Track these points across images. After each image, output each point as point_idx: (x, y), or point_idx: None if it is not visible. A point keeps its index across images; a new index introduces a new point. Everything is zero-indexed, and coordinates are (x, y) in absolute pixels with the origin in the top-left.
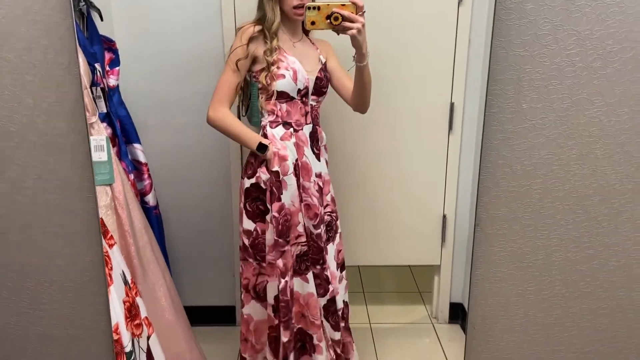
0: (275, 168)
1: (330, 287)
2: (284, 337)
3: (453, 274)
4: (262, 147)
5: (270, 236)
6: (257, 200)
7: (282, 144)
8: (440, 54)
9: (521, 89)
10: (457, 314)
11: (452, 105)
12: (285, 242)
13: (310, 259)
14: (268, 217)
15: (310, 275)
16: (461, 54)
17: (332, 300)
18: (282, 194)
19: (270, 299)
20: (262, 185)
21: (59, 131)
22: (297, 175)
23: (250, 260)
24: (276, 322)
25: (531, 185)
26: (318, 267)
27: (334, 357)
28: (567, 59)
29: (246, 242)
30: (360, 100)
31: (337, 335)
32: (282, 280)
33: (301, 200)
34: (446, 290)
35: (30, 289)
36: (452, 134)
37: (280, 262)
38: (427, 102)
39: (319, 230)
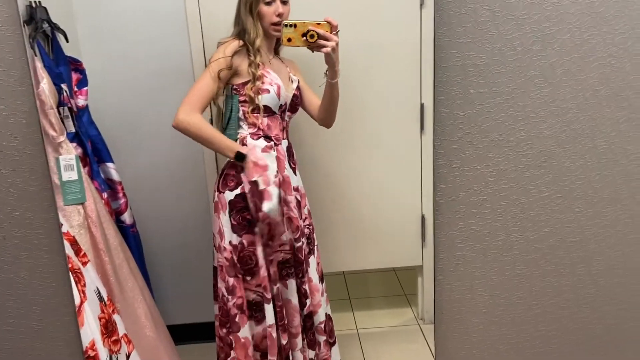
0: (255, 178)
1: (308, 302)
2: (284, 340)
3: (436, 273)
4: (241, 156)
5: (260, 247)
6: (244, 211)
7: (261, 155)
8: (406, 56)
9: (467, 75)
10: None
11: (422, 105)
12: (272, 251)
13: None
14: (257, 229)
15: (290, 282)
16: (427, 55)
17: (309, 316)
18: (263, 203)
19: (270, 319)
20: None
21: (15, 143)
22: (279, 187)
23: (240, 276)
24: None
25: (485, 168)
26: (297, 280)
27: None
28: (508, 43)
29: (233, 257)
30: (327, 115)
31: (311, 354)
32: (275, 287)
33: (283, 214)
34: (430, 291)
35: None
36: (424, 134)
37: (231, 281)
38: (398, 104)
39: (300, 244)
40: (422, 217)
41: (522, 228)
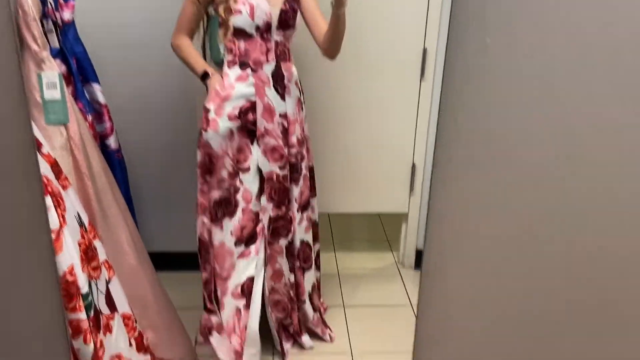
0: (210, 104)
1: (292, 228)
2: (204, 274)
3: (420, 221)
4: (205, 75)
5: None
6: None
7: (228, 84)
8: None
9: (485, 23)
10: (422, 260)
11: (424, 51)
12: (202, 173)
13: (277, 200)
14: (198, 155)
15: (225, 222)
16: None
17: (293, 243)
18: (206, 130)
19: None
20: None
21: None
22: (244, 121)
23: (206, 180)
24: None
25: (492, 127)
26: (283, 207)
27: (291, 298)
28: None
29: (204, 162)
30: (331, 46)
31: (292, 277)
32: (199, 218)
33: (229, 151)
34: (413, 238)
35: None
36: (424, 80)
37: (201, 199)
38: (399, 48)
39: (285, 172)
40: (413, 165)
41: (519, 190)
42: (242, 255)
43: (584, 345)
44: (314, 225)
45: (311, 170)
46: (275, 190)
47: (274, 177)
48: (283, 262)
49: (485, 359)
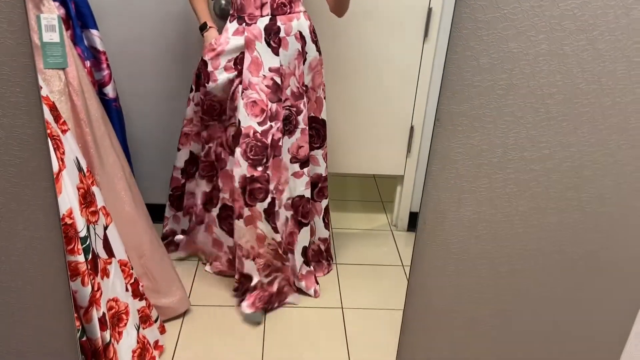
0: (206, 57)
1: (271, 187)
2: (206, 187)
3: (415, 184)
4: (203, 27)
5: (190, 111)
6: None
7: (224, 39)
8: None
9: None
10: (416, 222)
11: (429, 10)
12: (211, 118)
13: (252, 158)
14: (191, 95)
15: (237, 153)
16: None
17: (272, 204)
18: (207, 83)
19: (180, 163)
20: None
21: None
22: (241, 70)
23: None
24: (182, 181)
25: (496, 80)
26: (260, 168)
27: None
28: None
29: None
30: (337, 4)
31: (278, 237)
32: (206, 146)
33: (232, 98)
34: (407, 200)
35: None
36: (427, 42)
37: (205, 133)
38: (404, 6)
39: (265, 127)
40: (411, 127)
41: (521, 147)
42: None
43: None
44: (322, 180)
45: (318, 122)
46: (251, 147)
47: (251, 132)
48: (263, 226)
49: (477, 314)
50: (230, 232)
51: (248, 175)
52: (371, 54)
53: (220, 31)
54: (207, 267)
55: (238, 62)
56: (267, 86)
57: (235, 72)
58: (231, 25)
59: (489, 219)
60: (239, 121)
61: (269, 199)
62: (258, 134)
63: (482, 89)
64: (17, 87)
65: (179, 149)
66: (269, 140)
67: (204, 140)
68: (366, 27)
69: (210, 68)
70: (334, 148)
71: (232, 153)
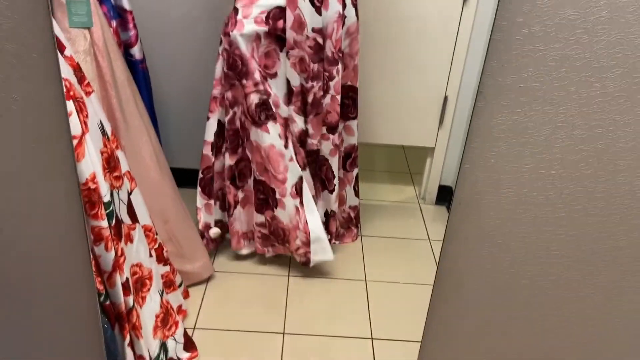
0: (238, 4)
1: (309, 140)
2: (230, 161)
3: (447, 157)
4: None
5: (218, 67)
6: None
7: None
8: None
9: None
10: (445, 196)
11: None
12: (235, 75)
13: (305, 113)
14: (220, 49)
15: (270, 125)
16: None
17: (313, 152)
18: (232, 31)
19: (209, 136)
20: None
21: None
22: (273, 27)
23: (236, 83)
24: (212, 159)
25: (548, 50)
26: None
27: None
28: None
29: (223, 67)
30: None
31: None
32: (231, 111)
33: (253, 54)
34: (437, 173)
35: None
36: (467, 6)
37: (229, 94)
38: None
39: (308, 85)
40: (445, 97)
41: (572, 125)
42: (290, 160)
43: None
44: (355, 150)
45: (354, 91)
46: (304, 102)
47: (302, 89)
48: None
49: (510, 299)
50: (260, 209)
51: (304, 129)
52: (405, 19)
53: None
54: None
55: (270, 17)
56: (309, 47)
57: (266, 28)
58: None
59: (530, 201)
60: (288, 81)
61: (307, 147)
62: (305, 88)
63: (532, 60)
64: (34, 49)
65: (208, 118)
66: (310, 99)
67: (228, 102)
68: None
69: (240, 16)
70: (363, 117)
71: (254, 123)
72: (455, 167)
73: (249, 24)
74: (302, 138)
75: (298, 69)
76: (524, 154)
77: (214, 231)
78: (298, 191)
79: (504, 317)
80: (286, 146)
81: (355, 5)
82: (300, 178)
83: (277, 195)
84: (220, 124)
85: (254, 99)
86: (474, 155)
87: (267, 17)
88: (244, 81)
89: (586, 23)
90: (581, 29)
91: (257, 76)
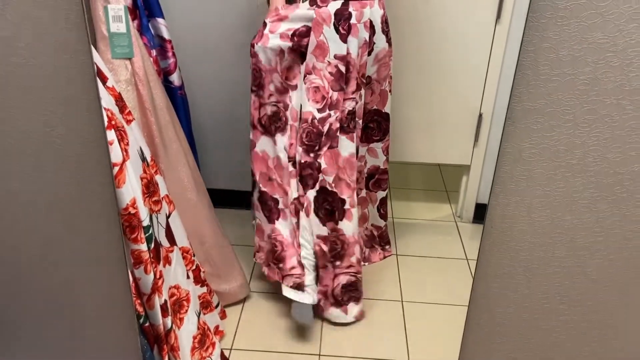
0: (267, 19)
1: (320, 177)
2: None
3: (483, 174)
4: None
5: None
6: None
7: (291, 9)
8: None
9: None
10: (482, 214)
11: None
12: (253, 85)
13: (307, 144)
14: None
15: (278, 137)
16: None
17: (322, 191)
18: (256, 44)
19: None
20: None
21: None
22: (297, 43)
23: (254, 89)
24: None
25: (577, 74)
26: (312, 154)
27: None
28: None
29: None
30: None
31: (324, 231)
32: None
33: (277, 67)
34: (473, 190)
35: (34, 155)
36: (500, 23)
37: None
38: None
39: (323, 115)
40: (480, 115)
41: (605, 148)
42: (292, 175)
43: None
44: (379, 172)
45: (380, 115)
46: (307, 133)
47: (310, 118)
48: (311, 220)
49: (546, 325)
50: (269, 219)
51: (302, 161)
52: (438, 37)
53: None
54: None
55: (296, 35)
56: (330, 73)
57: (290, 44)
58: (303, 5)
59: (565, 225)
60: (300, 105)
61: (317, 186)
62: (315, 121)
63: (561, 84)
64: (77, 85)
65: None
66: (325, 129)
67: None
68: (435, 9)
69: (267, 30)
70: (398, 136)
71: (264, 133)
72: (492, 186)
73: (274, 39)
74: (304, 172)
75: (311, 96)
76: (556, 178)
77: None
78: (297, 210)
79: (539, 341)
80: (292, 161)
81: (386, 32)
82: (298, 199)
83: (347, 206)
84: None
85: (267, 110)
86: (505, 178)
87: (292, 35)
88: (260, 92)
89: (616, 46)
90: (611, 52)
91: (272, 88)
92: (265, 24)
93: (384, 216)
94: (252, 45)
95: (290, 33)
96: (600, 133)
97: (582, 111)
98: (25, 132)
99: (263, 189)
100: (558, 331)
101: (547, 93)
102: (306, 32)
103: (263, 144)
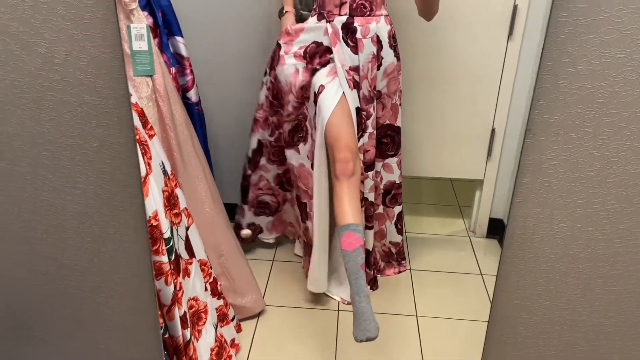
0: (280, 41)
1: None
2: (278, 170)
3: (496, 189)
4: (280, 13)
5: (262, 95)
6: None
7: (300, 27)
8: None
9: None
10: (496, 229)
11: (515, 7)
12: (278, 104)
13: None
14: (264, 79)
15: (301, 146)
16: None
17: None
18: (277, 66)
19: (249, 152)
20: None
21: (86, 4)
22: (310, 63)
23: (277, 110)
24: (249, 172)
25: (596, 88)
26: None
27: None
28: None
29: (269, 96)
30: (425, 5)
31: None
32: (276, 132)
33: (293, 84)
34: (487, 205)
35: (67, 167)
36: (512, 40)
37: (274, 118)
38: (488, 2)
39: None
40: (493, 130)
41: (624, 160)
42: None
43: None
44: (395, 187)
45: (393, 129)
46: (299, 122)
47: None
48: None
49: (567, 336)
50: (302, 218)
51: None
52: (451, 52)
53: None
54: (297, 248)
55: (308, 53)
56: (349, 80)
57: (303, 63)
58: (311, 19)
59: (585, 236)
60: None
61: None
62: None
63: (580, 97)
64: (110, 99)
65: (250, 137)
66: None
67: (274, 125)
68: (447, 25)
69: (282, 52)
70: (410, 150)
71: (288, 147)
72: (506, 200)
73: (289, 59)
74: None
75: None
76: (576, 189)
77: (245, 232)
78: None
79: (561, 354)
80: (312, 167)
81: (394, 47)
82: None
83: (308, 209)
84: (259, 143)
85: (287, 126)
86: (525, 190)
87: (304, 52)
88: (282, 110)
89: (633, 61)
90: (629, 66)
91: (290, 108)
92: (279, 46)
93: (400, 231)
94: (273, 69)
95: (302, 52)
96: (620, 145)
97: (601, 124)
98: (59, 144)
99: (297, 193)
100: (580, 343)
101: (566, 106)
102: (316, 49)
103: (288, 157)
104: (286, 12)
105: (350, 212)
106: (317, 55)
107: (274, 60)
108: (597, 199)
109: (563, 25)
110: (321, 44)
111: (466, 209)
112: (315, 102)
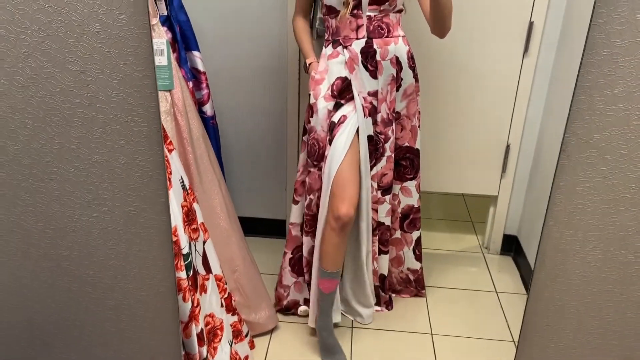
0: (310, 91)
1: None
2: (313, 242)
3: (510, 205)
4: (305, 67)
5: (302, 157)
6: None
7: (322, 68)
8: None
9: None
10: (510, 246)
11: (531, 24)
12: (312, 163)
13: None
14: (305, 138)
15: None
16: None
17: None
18: (312, 117)
19: (296, 218)
20: None
21: (120, 23)
22: (339, 99)
23: (315, 164)
24: (302, 240)
25: (632, 110)
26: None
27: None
28: None
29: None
30: (435, 23)
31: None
32: (308, 197)
33: (329, 133)
34: (501, 221)
35: (94, 184)
36: (527, 56)
37: (307, 180)
38: (504, 19)
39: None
40: (507, 146)
41: None
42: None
43: None
44: (414, 212)
45: (412, 152)
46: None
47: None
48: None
49: (600, 356)
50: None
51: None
52: (466, 68)
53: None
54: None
55: (335, 90)
56: (369, 110)
57: (333, 102)
58: (326, 50)
59: (619, 259)
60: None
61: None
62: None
63: (616, 119)
64: (140, 117)
65: (296, 202)
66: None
67: (307, 189)
68: (462, 41)
69: (312, 99)
70: (424, 166)
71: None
72: (520, 216)
73: (321, 103)
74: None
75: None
76: (610, 212)
77: (303, 309)
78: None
79: None
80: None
81: (412, 68)
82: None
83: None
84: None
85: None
86: (558, 212)
87: (331, 92)
88: (320, 163)
89: None
90: None
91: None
92: (309, 96)
93: (419, 257)
94: (309, 122)
95: (329, 92)
96: None
97: (636, 146)
98: (87, 161)
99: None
100: None
101: (602, 128)
102: (341, 84)
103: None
104: (310, 64)
105: (333, 261)
106: (345, 92)
107: (308, 113)
108: (632, 223)
109: (600, 47)
110: (345, 78)
111: (478, 224)
112: (330, 141)
